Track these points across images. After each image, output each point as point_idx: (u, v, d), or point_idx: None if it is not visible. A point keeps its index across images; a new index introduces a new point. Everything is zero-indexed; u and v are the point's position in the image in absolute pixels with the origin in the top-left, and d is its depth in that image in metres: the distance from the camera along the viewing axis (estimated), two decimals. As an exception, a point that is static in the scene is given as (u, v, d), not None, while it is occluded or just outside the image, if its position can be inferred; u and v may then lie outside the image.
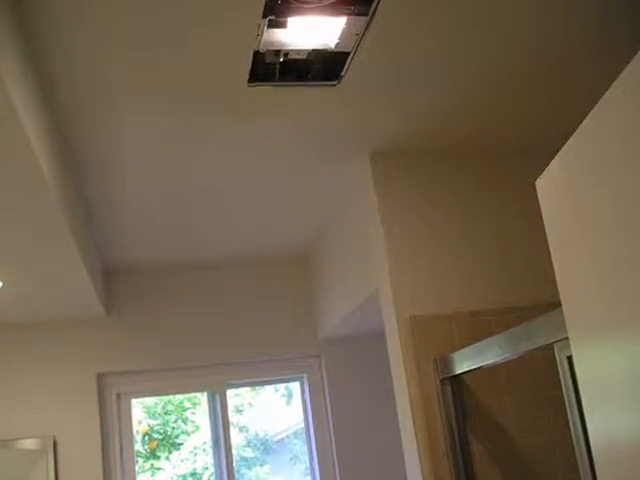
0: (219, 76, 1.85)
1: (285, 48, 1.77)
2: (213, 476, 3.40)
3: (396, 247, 2.32)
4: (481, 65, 1.97)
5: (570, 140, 1.14)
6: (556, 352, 1.53)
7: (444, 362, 2.12)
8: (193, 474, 4.53)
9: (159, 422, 4.54)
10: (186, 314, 3.35)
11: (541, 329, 1.54)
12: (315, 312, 3.45)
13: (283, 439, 4.91)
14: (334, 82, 1.93)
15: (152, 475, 4.46)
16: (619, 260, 1.02)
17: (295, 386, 3.68)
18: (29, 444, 3.01)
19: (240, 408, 4.69)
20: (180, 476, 4.50)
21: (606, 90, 1.03)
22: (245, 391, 4.57)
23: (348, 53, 1.81)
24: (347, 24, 1.69)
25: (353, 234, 2.69)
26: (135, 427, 3.34)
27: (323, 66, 1.86)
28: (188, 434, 4.61)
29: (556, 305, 1.26)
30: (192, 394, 4.17)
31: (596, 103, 1.06)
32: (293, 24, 1.67)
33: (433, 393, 2.13)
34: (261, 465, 4.92)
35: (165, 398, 4.37)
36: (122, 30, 1.61)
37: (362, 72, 1.91)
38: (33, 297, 2.78)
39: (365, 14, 1.66)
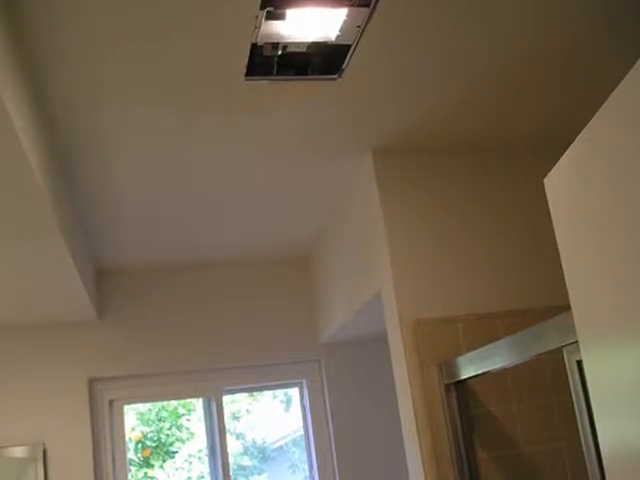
0: (215, 70, 1.82)
1: (284, 41, 1.74)
2: (209, 485, 3.34)
3: (399, 247, 2.30)
4: (487, 59, 1.95)
5: (579, 137, 1.14)
6: (565, 356, 1.51)
7: (449, 367, 2.10)
8: (188, 483, 4.48)
9: (153, 429, 4.50)
10: (181, 317, 3.31)
11: (550, 332, 1.52)
12: (315, 314, 3.42)
13: (282, 447, 4.88)
14: (335, 76, 1.91)
15: (145, 484, 4.42)
16: (630, 261, 1.01)
17: (294, 392, 3.64)
18: (18, 452, 2.97)
19: (237, 415, 4.66)
20: (175, 485, 4.46)
21: (615, 87, 1.02)
22: (242, 397, 4.53)
23: (349, 46, 1.79)
24: (348, 16, 1.66)
25: (355, 234, 2.67)
26: (128, 434, 3.32)
27: (323, 59, 1.84)
28: (183, 442, 4.57)
29: (565, 307, 1.25)
30: (187, 400, 4.13)
31: (605, 100, 1.05)
32: (292, 16, 1.65)
33: (437, 399, 2.11)
34: (259, 474, 4.88)
35: (159, 404, 4.33)
36: (116, 25, 1.59)
37: (364, 66, 1.88)
38: (22, 299, 2.75)
39: (367, 5, 1.63)
